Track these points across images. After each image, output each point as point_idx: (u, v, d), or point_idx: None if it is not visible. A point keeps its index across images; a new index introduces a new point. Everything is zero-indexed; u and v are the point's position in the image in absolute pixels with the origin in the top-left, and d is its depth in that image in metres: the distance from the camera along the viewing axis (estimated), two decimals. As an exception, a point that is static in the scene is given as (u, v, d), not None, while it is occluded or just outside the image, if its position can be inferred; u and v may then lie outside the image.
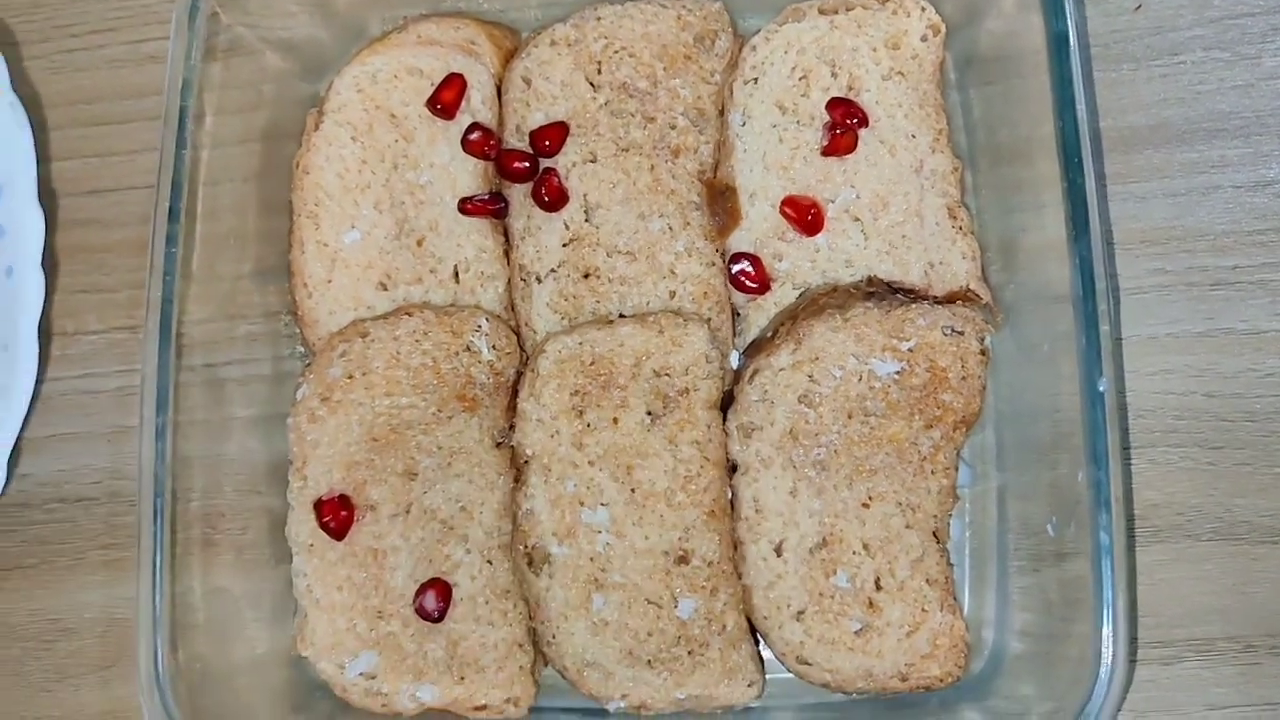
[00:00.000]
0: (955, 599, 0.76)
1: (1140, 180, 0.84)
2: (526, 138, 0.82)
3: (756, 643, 0.78)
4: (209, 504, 0.77)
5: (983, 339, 0.75)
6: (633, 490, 0.76)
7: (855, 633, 0.75)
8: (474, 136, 0.83)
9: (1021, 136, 0.76)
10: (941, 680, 0.75)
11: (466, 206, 0.82)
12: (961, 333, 0.74)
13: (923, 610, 0.75)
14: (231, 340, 0.82)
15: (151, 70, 0.85)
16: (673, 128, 0.81)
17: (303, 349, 0.86)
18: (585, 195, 0.81)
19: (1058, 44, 0.70)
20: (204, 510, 0.77)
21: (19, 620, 0.89)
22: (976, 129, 0.82)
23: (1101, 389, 0.66)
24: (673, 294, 0.79)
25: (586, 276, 0.81)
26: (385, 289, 0.83)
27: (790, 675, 0.78)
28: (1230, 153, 0.83)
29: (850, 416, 0.75)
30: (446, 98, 0.83)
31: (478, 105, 0.84)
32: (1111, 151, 0.83)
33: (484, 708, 0.78)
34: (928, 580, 0.75)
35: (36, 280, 0.86)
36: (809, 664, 0.76)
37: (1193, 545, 0.81)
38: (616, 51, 0.82)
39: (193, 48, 0.77)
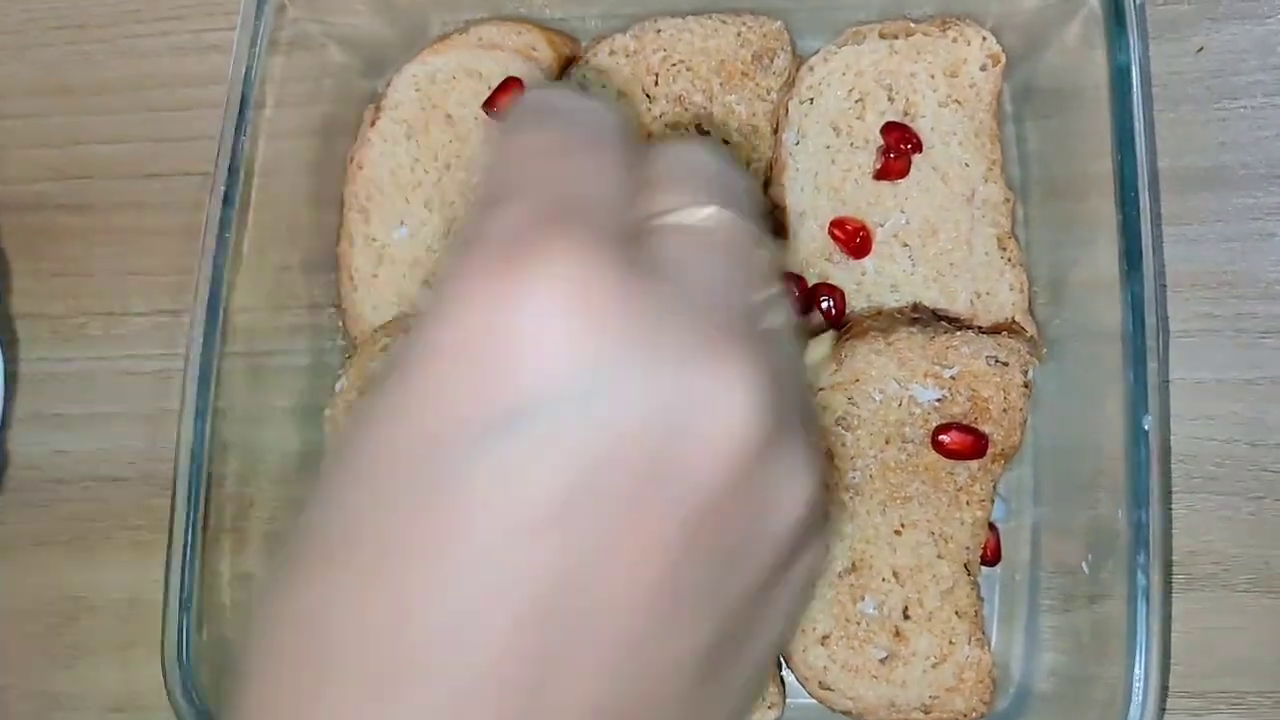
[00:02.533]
0: (984, 633, 0.75)
1: (1193, 223, 0.83)
2: (579, 145, 0.82)
3: (779, 665, 0.77)
4: (241, 490, 0.77)
5: (1027, 371, 0.74)
6: (664, 502, 0.75)
7: (880, 661, 0.74)
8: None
9: (1077, 172, 0.75)
10: (966, 715, 0.74)
11: (515, 210, 0.83)
12: (1006, 364, 0.74)
13: (950, 642, 0.74)
14: (275, 329, 0.82)
15: (214, 60, 0.86)
16: (726, 143, 0.81)
17: (343, 343, 0.86)
18: (634, 206, 0.81)
19: (1120, 77, 0.69)
20: (236, 495, 0.77)
21: (47, 596, 0.90)
22: (1031, 161, 0.82)
23: (1146, 426, 0.65)
24: (716, 308, 0.79)
25: (630, 286, 0.81)
26: (430, 286, 0.84)
27: (811, 700, 0.77)
28: (1288, 200, 0.82)
29: (888, 442, 0.74)
30: (502, 101, 0.84)
31: (533, 111, 0.84)
32: (1165, 193, 0.82)
33: (502, 711, 0.78)
34: (957, 612, 0.74)
35: None
36: (831, 690, 0.75)
37: (1228, 595, 0.80)
38: (674, 64, 0.82)
39: (259, 36, 0.78)
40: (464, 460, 0.32)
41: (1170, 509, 0.79)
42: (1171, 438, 0.81)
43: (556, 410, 0.31)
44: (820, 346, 0.74)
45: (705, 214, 0.38)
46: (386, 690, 0.32)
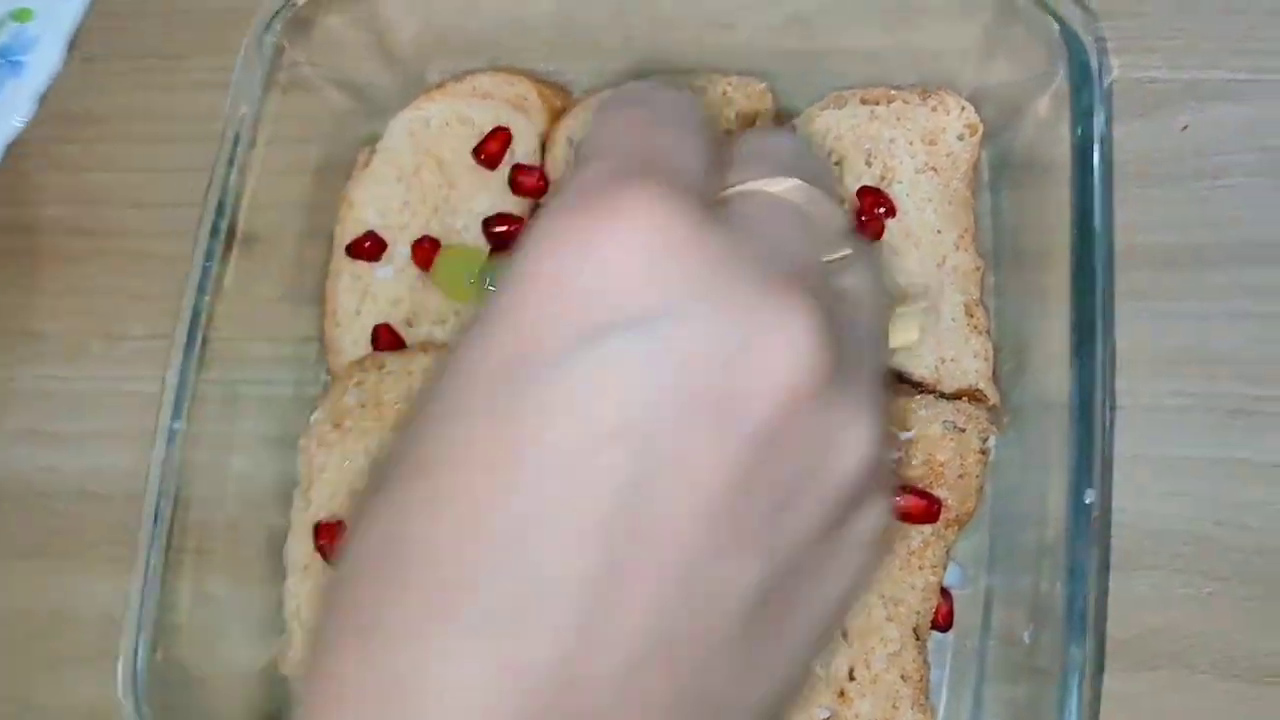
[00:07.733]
0: (928, 699, 0.74)
1: (1168, 299, 0.82)
2: (562, 195, 0.84)
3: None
4: (211, 515, 0.79)
5: (985, 439, 0.74)
6: (617, 549, 0.76)
7: (823, 720, 0.74)
8: (524, 179, 0.85)
9: (1043, 244, 0.76)
10: (905, 780, 0.74)
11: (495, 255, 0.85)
12: (963, 430, 0.74)
13: (894, 706, 0.74)
14: (257, 360, 0.84)
15: (215, 97, 0.89)
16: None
17: (325, 377, 0.88)
18: (612, 256, 0.83)
19: (1080, 152, 0.70)
20: (205, 520, 0.78)
21: (26, 605, 0.92)
22: (1003, 231, 0.82)
23: (1088, 500, 0.65)
24: (682, 361, 0.80)
25: (603, 334, 0.82)
26: (410, 325, 0.86)
27: (756, 756, 0.77)
28: (1264, 280, 0.82)
29: (841, 501, 0.75)
30: (491, 149, 0.86)
31: (520, 159, 0.86)
32: (1141, 268, 0.82)
33: (447, 747, 0.78)
34: (902, 676, 0.74)
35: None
36: (774, 746, 0.75)
37: (1189, 676, 0.78)
38: (657, 121, 0.84)
39: (255, 71, 0.82)
40: (544, 374, 0.34)
41: (1108, 585, 0.79)
42: (1135, 514, 0.80)
43: (635, 330, 0.34)
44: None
45: (782, 184, 0.41)
46: (448, 607, 0.32)
